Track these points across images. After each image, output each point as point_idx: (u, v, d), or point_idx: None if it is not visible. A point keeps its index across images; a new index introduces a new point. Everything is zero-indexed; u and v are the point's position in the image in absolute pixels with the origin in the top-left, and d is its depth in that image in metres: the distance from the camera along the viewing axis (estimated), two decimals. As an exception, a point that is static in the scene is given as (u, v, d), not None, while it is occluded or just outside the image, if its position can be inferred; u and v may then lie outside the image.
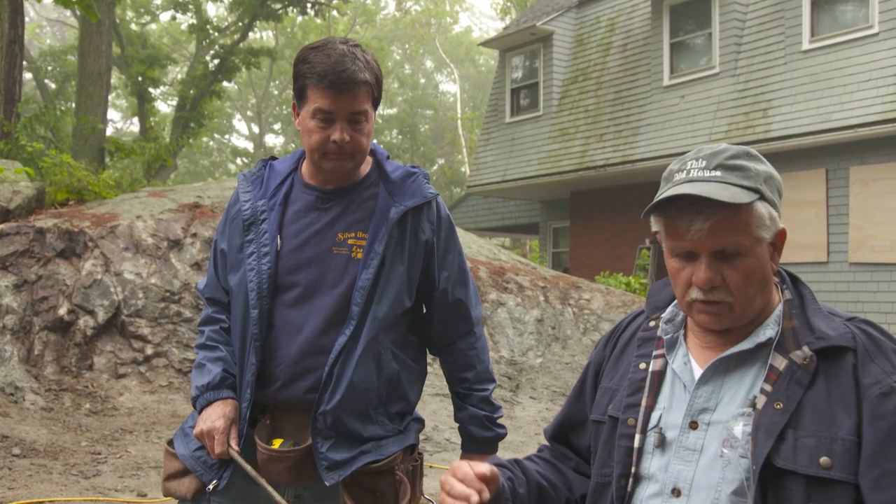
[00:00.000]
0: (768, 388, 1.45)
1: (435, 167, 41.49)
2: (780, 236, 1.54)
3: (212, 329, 2.21)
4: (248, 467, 2.04)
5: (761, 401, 1.45)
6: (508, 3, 33.32)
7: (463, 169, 35.18)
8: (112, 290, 7.63)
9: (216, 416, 2.08)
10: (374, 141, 2.25)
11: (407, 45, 45.19)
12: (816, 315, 1.53)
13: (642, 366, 1.63)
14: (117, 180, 10.88)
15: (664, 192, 1.50)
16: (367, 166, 2.21)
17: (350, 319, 2.06)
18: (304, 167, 2.21)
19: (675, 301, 1.65)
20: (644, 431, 1.56)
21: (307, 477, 2.06)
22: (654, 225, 1.57)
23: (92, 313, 7.43)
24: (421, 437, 2.81)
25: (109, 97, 17.43)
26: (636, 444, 1.56)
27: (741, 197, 1.45)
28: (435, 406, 7.49)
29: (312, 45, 2.09)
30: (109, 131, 25.49)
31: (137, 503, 4.79)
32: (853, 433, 1.39)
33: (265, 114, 44.16)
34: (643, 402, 1.58)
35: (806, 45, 12.11)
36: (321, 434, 2.04)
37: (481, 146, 18.04)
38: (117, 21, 21.75)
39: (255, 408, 2.13)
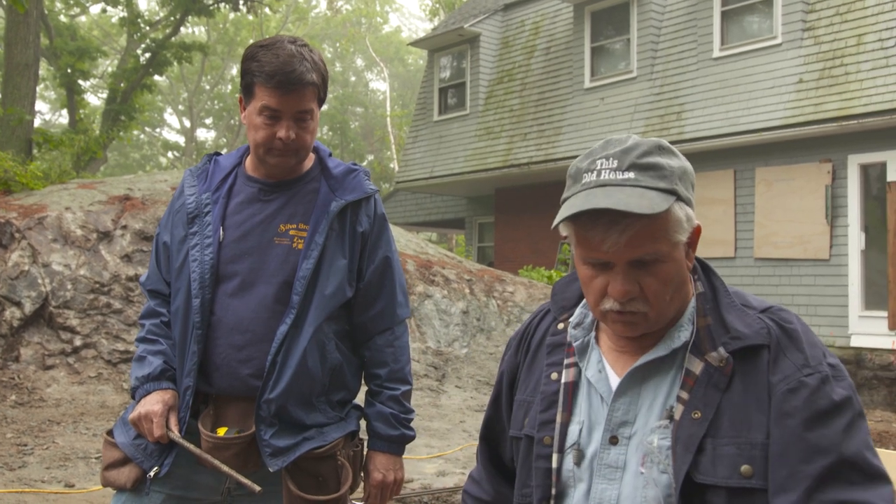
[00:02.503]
0: (685, 395, 1.33)
1: (364, 163, 41.26)
2: (696, 233, 1.40)
3: (152, 322, 2.17)
4: (190, 445, 2.00)
5: (678, 410, 1.32)
6: (437, 5, 33.34)
7: (392, 165, 35.08)
8: (40, 281, 7.38)
9: (154, 401, 2.04)
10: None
11: (338, 44, 44.79)
12: (730, 310, 1.39)
13: (554, 376, 1.48)
14: (45, 172, 10.53)
15: (573, 199, 1.34)
16: (309, 162, 2.20)
17: (291, 308, 2.05)
18: (248, 161, 2.19)
19: (584, 301, 1.51)
20: (562, 450, 1.41)
21: (252, 463, 2.04)
22: (564, 230, 1.39)
23: (19, 304, 7.17)
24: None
25: (37, 88, 16.82)
26: (554, 464, 1.42)
27: (659, 203, 1.28)
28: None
29: (261, 44, 2.06)
30: (38, 123, 24.62)
31: (65, 494, 4.65)
32: (767, 435, 1.28)
33: (196, 108, 43.21)
34: (558, 419, 1.43)
35: (716, 53, 12.44)
36: (264, 422, 2.02)
37: (410, 143, 18.01)
38: (45, 12, 20.98)
39: (196, 398, 2.09)
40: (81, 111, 22.63)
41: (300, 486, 2.04)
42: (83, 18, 34.87)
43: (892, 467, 5.96)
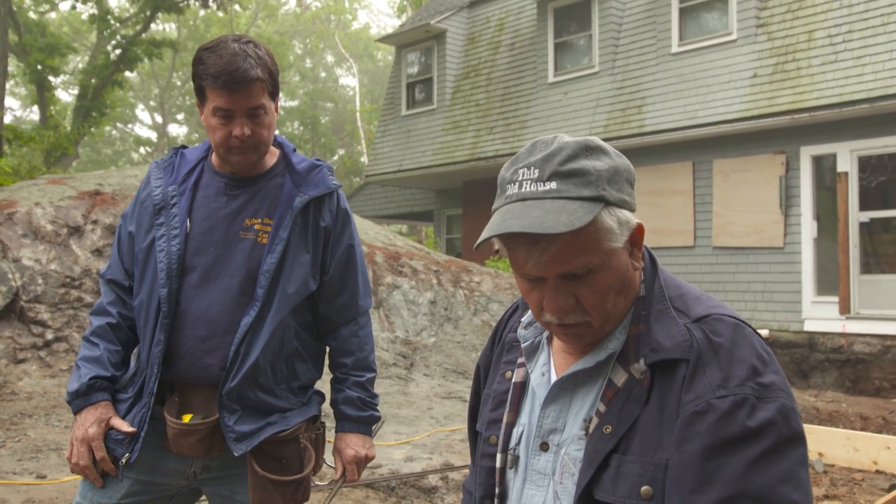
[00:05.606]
0: (602, 408, 1.24)
1: (335, 157, 41.06)
2: (637, 233, 1.27)
3: (98, 324, 2.14)
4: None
5: (593, 423, 1.24)
6: (405, 2, 33.18)
7: (362, 159, 34.94)
8: (10, 276, 7.27)
9: (90, 422, 2.04)
10: (277, 132, 2.24)
11: (308, 40, 44.45)
12: (660, 318, 1.26)
13: (508, 374, 1.43)
14: (15, 167, 10.37)
15: (496, 215, 1.25)
16: (273, 157, 2.21)
17: (255, 301, 2.07)
18: (214, 156, 2.20)
19: None
20: (506, 451, 1.38)
21: (217, 448, 2.06)
22: (495, 243, 1.27)
23: (-11, 299, 7.06)
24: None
25: (7, 85, 16.52)
26: (498, 464, 1.38)
27: (581, 216, 1.16)
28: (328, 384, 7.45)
29: (206, 46, 2.06)
30: (8, 119, 24.17)
31: (37, 485, 4.60)
32: None
33: (168, 104, 42.71)
34: (504, 419, 1.39)
35: (675, 49, 12.54)
36: (227, 409, 2.05)
37: (379, 137, 17.96)
38: (14, 8, 20.59)
39: (162, 385, 2.09)
40: (52, 107, 22.28)
41: (264, 467, 2.07)
42: (53, 15, 34.29)
43: (822, 441, 6.04)
